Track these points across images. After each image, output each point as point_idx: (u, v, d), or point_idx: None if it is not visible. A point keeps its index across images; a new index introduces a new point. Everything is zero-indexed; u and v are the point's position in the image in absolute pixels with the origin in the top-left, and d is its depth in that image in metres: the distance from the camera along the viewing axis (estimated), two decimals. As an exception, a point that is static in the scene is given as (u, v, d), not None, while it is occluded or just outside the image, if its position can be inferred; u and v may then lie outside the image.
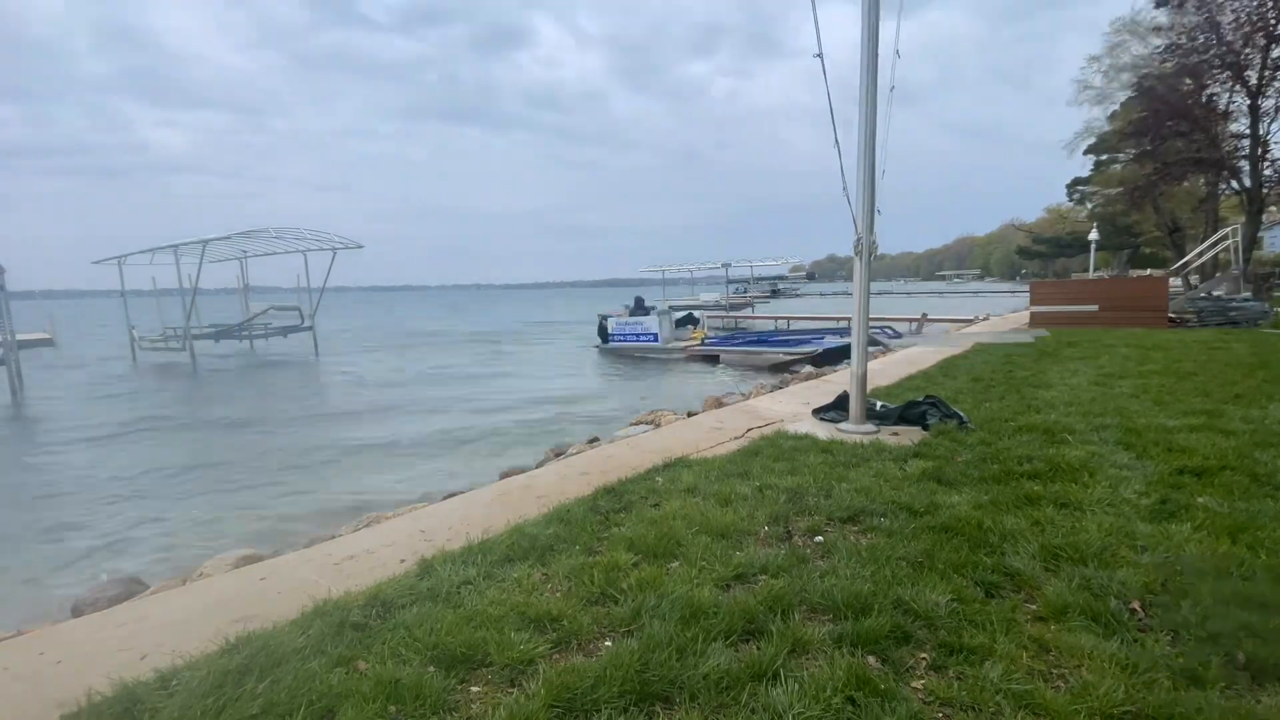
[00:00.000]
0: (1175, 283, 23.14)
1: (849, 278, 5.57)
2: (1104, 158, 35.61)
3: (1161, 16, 23.34)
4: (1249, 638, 2.05)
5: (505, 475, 5.31)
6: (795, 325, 25.29)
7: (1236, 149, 22.31)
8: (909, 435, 5.01)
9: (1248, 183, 21.64)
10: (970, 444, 4.50)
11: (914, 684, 1.94)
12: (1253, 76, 20.77)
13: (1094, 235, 28.29)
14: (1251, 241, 21.38)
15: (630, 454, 4.88)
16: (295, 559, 3.28)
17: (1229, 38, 20.38)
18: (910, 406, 5.51)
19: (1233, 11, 20.25)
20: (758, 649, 2.10)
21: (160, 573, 4.48)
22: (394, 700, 1.89)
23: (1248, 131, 21.69)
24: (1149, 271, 44.75)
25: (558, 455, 6.26)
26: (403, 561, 3.01)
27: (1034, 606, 2.35)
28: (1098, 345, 10.44)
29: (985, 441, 4.53)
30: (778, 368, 15.16)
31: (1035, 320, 16.05)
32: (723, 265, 37.84)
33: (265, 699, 1.91)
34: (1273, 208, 25.62)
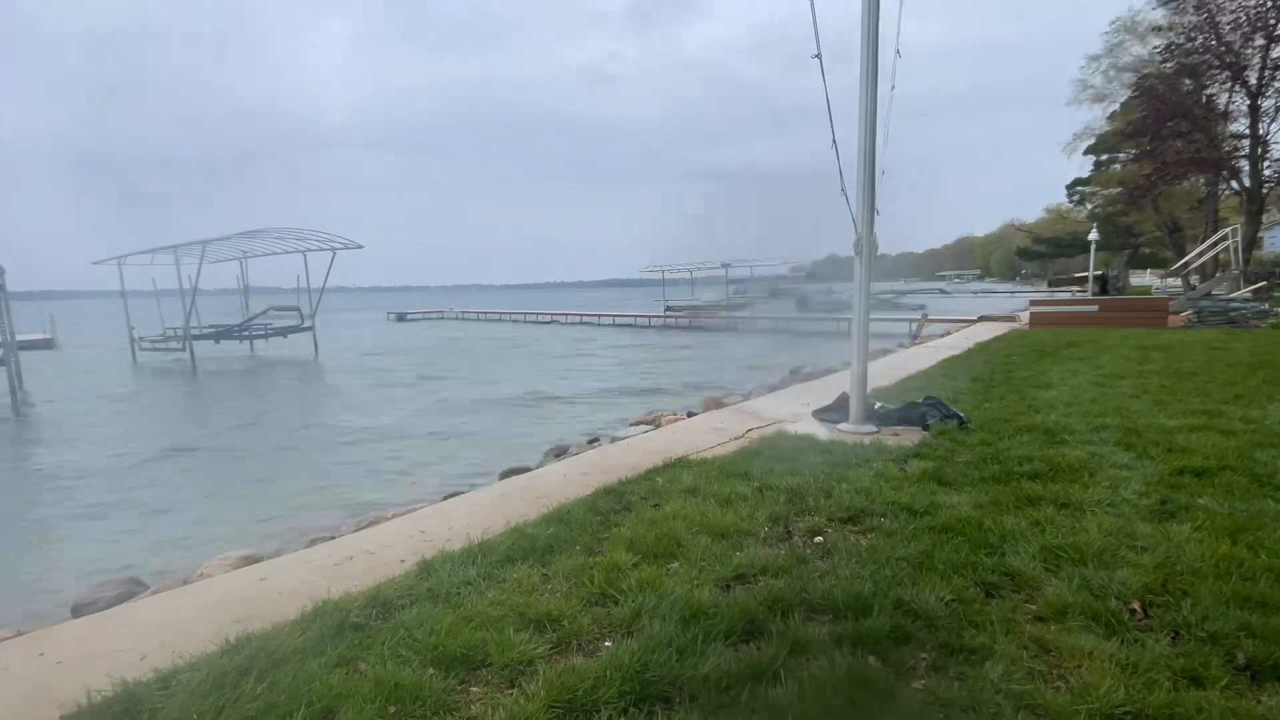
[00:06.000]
0: (1174, 283, 23.15)
1: (849, 278, 5.57)
2: (1104, 158, 35.65)
3: (1161, 16, 23.36)
4: (1249, 638, 2.05)
5: (505, 475, 5.31)
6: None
7: (1236, 149, 22.32)
8: (909, 436, 5.01)
9: (1247, 183, 21.64)
10: (970, 444, 4.50)
11: (914, 684, 1.94)
12: (1252, 76, 20.79)
13: (1094, 235, 28.26)
14: (1251, 241, 21.39)
15: (630, 454, 4.87)
16: (295, 559, 3.28)
17: (1228, 38, 20.39)
18: (910, 407, 5.51)
19: (1232, 12, 20.26)
20: (758, 649, 2.10)
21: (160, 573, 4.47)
22: (394, 701, 1.88)
23: (1247, 131, 21.71)
24: (1148, 272, 44.79)
25: (558, 455, 6.26)
26: (403, 562, 3.01)
27: (1034, 607, 2.35)
28: (1098, 346, 10.44)
29: (985, 442, 4.53)
30: None
31: (1035, 320, 16.05)
32: (722, 265, 37.83)
33: (265, 699, 1.91)
34: (1272, 208, 25.62)
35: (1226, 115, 22.63)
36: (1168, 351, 9.32)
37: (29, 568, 5.23)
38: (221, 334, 22.52)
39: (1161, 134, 22.45)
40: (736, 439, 5.25)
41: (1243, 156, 21.95)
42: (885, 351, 12.76)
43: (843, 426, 5.37)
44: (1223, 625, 2.11)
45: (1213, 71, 21.28)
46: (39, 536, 6.03)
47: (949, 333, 17.02)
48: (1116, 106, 28.65)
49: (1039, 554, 2.70)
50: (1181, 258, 24.78)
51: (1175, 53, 21.69)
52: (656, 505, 3.52)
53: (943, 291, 31.03)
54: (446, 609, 2.43)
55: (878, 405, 5.71)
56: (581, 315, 38.07)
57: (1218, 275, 20.87)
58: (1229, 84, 21.61)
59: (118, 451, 9.19)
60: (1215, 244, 20.33)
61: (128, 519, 6.30)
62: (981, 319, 20.91)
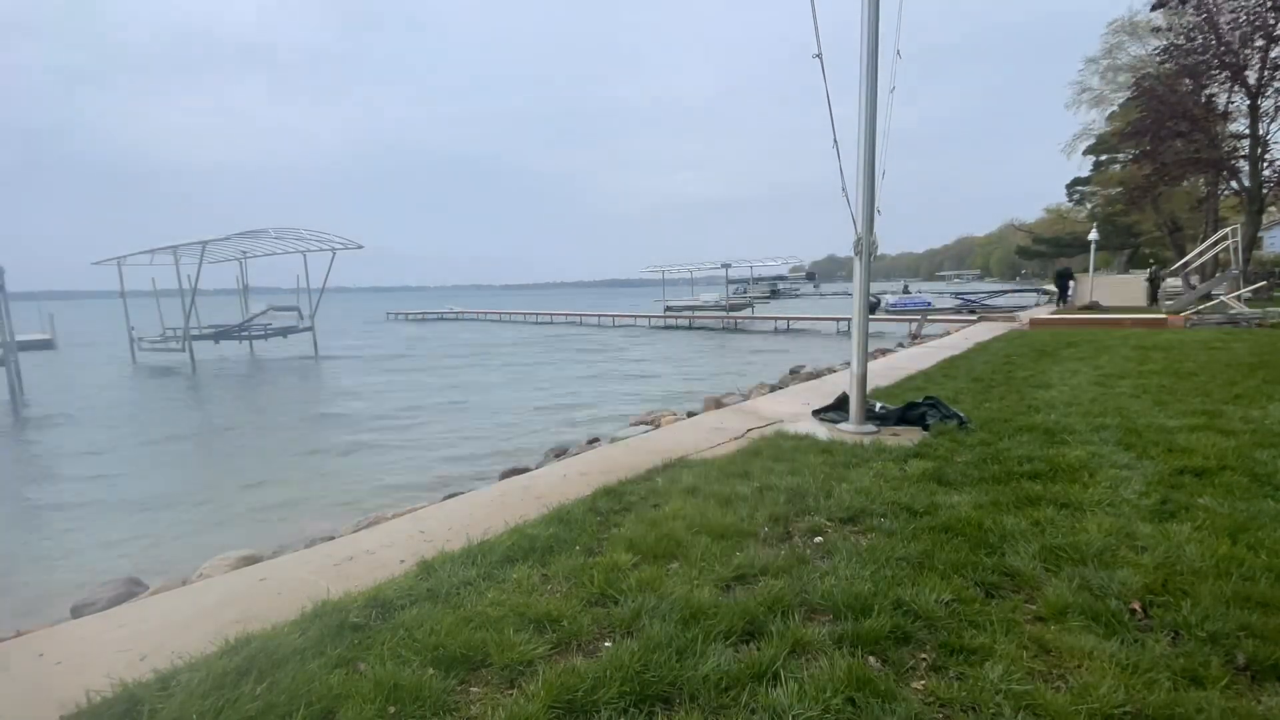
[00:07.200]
0: (1174, 283, 23.16)
1: (849, 278, 5.57)
2: (1103, 158, 35.65)
3: (1159, 18, 23.35)
4: (1249, 638, 2.05)
5: (505, 476, 5.31)
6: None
7: (1236, 149, 22.32)
8: (909, 436, 5.00)
9: (1247, 183, 21.64)
10: (970, 444, 4.50)
11: (914, 684, 1.94)
12: (1252, 76, 20.77)
13: (1094, 235, 28.25)
14: (1251, 241, 21.39)
15: (630, 455, 4.87)
16: (295, 559, 3.28)
17: (1227, 38, 20.38)
18: (910, 407, 5.51)
19: (1231, 12, 20.26)
20: (758, 650, 2.10)
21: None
22: (393, 701, 1.88)
23: (1247, 131, 21.70)
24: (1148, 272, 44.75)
25: (558, 456, 6.26)
26: (402, 562, 3.01)
27: (1034, 607, 2.35)
28: (1098, 346, 10.45)
29: (985, 442, 4.53)
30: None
31: (1035, 320, 16.06)
32: (722, 265, 37.82)
33: (264, 700, 1.90)
34: (1272, 208, 25.63)
35: (1226, 115, 22.62)
36: (1167, 351, 9.32)
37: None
38: (221, 334, 22.51)
39: (1161, 134, 22.43)
40: (736, 439, 5.25)
41: (1242, 156, 21.93)
42: (885, 351, 12.77)
43: (843, 426, 5.37)
44: (1223, 625, 2.11)
45: (1212, 72, 21.27)
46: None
47: (949, 332, 17.03)
48: (1115, 108, 28.67)
49: (1039, 554, 2.70)
50: (1181, 258, 24.76)
51: (1174, 54, 21.67)
52: (656, 505, 3.52)
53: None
54: (446, 609, 2.42)
55: (878, 405, 5.71)
56: (579, 315, 38.19)
57: (1218, 275, 20.86)
58: (1228, 84, 21.59)
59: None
60: (1215, 244, 20.32)
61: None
62: (981, 319, 20.92)
